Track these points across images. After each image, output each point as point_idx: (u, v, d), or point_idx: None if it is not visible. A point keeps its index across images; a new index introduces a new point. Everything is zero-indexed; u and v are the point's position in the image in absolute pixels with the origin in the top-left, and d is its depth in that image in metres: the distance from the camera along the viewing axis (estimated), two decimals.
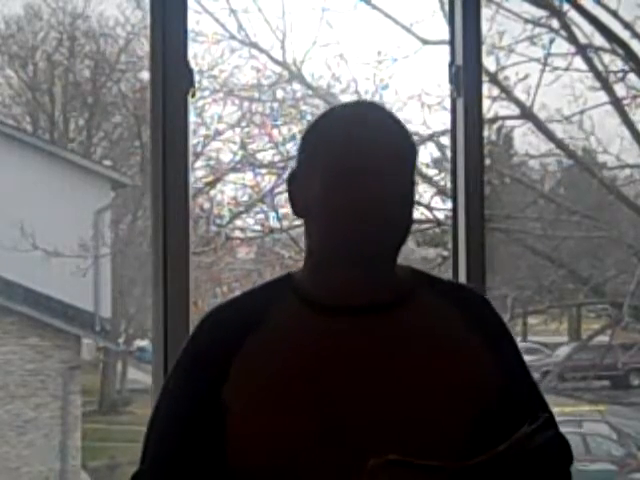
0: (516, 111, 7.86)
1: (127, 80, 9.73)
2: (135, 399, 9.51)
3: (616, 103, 7.84)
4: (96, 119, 9.93)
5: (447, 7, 3.30)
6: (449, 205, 3.51)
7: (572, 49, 7.74)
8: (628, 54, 7.76)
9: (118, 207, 9.51)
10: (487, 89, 7.23)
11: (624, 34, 7.69)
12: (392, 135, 1.66)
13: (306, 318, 1.64)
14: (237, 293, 1.77)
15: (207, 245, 7.76)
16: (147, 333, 9.03)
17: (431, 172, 7.93)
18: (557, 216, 8.26)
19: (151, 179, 2.79)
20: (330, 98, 7.69)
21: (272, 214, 7.46)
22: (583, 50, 7.74)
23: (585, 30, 7.68)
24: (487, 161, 7.32)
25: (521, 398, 1.66)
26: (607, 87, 7.83)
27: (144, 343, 9.63)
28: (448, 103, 3.17)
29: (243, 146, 7.89)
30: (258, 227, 7.85)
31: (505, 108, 7.88)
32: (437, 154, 7.92)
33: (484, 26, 3.12)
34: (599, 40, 7.73)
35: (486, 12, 6.79)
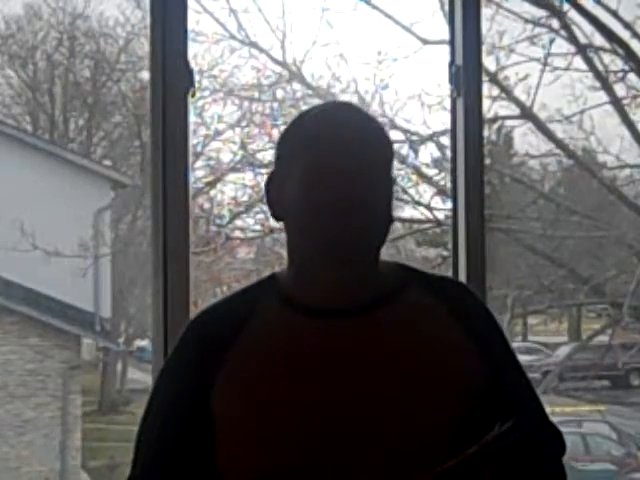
0: (516, 111, 7.86)
1: (127, 80, 9.74)
2: (135, 399, 9.52)
3: (616, 103, 7.84)
4: (96, 119, 9.93)
5: (447, 7, 3.30)
6: (449, 205, 3.51)
7: (572, 49, 7.75)
8: (628, 54, 7.76)
9: (118, 207, 9.51)
10: (487, 89, 7.23)
11: (624, 34, 7.70)
12: (368, 133, 1.65)
13: (288, 320, 1.63)
14: (237, 289, 1.77)
15: (207, 245, 7.76)
16: (147, 333, 9.03)
17: (431, 172, 7.94)
18: (557, 216, 8.26)
19: (151, 179, 2.79)
20: (330, 98, 7.69)
21: None
22: (583, 50, 7.74)
23: (585, 30, 7.69)
24: (487, 161, 7.32)
25: (509, 391, 1.66)
26: (607, 87, 7.84)
27: (144, 343, 9.63)
28: (448, 103, 3.17)
29: (243, 146, 7.89)
30: (258, 227, 7.86)
31: (505, 108, 7.89)
32: (437, 154, 7.93)
33: (484, 26, 3.12)
34: (599, 40, 7.74)
35: (486, 12, 6.79)
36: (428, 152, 7.85)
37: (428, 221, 8.06)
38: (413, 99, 7.49)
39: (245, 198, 7.99)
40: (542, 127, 7.88)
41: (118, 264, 9.15)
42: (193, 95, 2.85)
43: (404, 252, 8.50)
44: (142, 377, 9.39)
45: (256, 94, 7.90)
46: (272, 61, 7.67)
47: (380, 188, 1.63)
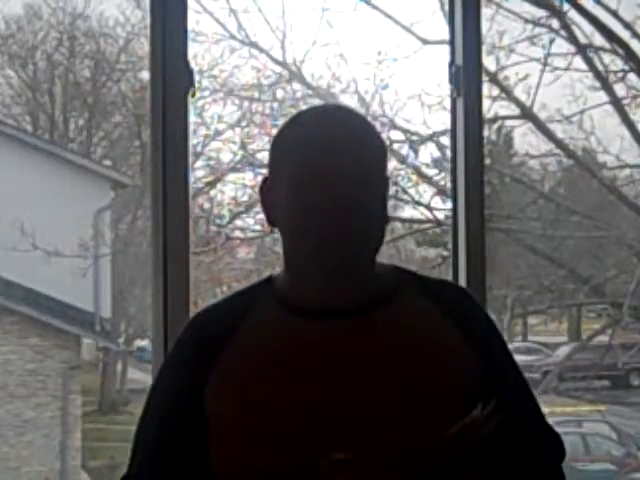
0: (516, 111, 7.86)
1: (127, 80, 9.74)
2: (135, 399, 9.51)
3: (616, 103, 7.84)
4: (96, 119, 9.94)
5: (447, 7, 3.30)
6: (449, 205, 3.51)
7: (572, 49, 7.75)
8: (628, 54, 7.76)
9: (118, 207, 9.51)
10: (487, 89, 7.23)
11: (624, 34, 7.70)
12: (358, 133, 1.64)
13: (283, 320, 1.64)
14: (234, 291, 1.78)
15: (207, 245, 7.77)
16: (147, 333, 9.03)
17: (431, 172, 7.94)
18: (557, 216, 8.26)
19: (151, 179, 2.79)
20: (330, 98, 7.69)
21: None
22: (583, 50, 7.74)
23: (585, 30, 7.69)
24: (487, 161, 7.32)
25: (507, 394, 1.65)
26: (607, 87, 7.84)
27: (144, 343, 9.63)
28: (448, 103, 3.17)
29: (243, 146, 7.89)
30: (258, 227, 7.86)
31: (505, 108, 7.89)
32: (437, 154, 7.93)
33: (484, 26, 3.12)
34: (599, 40, 7.74)
35: (486, 12, 6.79)
36: (428, 152, 7.85)
37: (428, 221, 8.06)
38: (413, 99, 7.50)
39: (245, 198, 8.00)
40: (542, 127, 7.88)
41: (118, 264, 9.15)
42: (193, 95, 2.85)
43: (404, 252, 8.51)
44: (142, 377, 9.39)
45: (256, 94, 7.90)
46: (272, 61, 7.67)
47: (373, 188, 1.62)
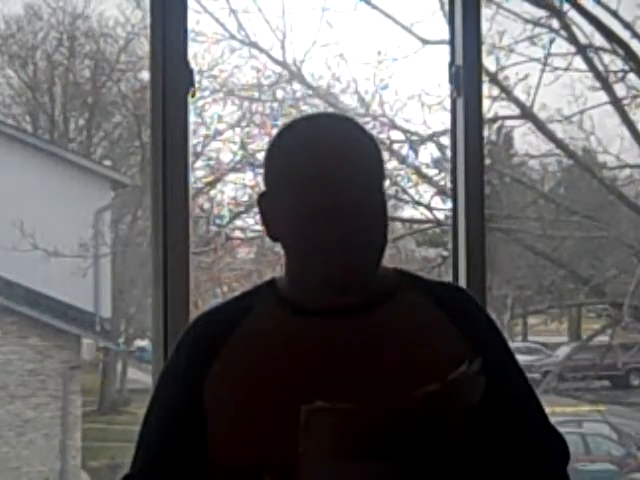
0: (516, 111, 7.86)
1: (127, 80, 9.74)
2: (135, 399, 9.51)
3: (616, 103, 7.84)
4: (96, 119, 9.93)
5: (447, 7, 3.30)
6: (449, 205, 3.52)
7: (572, 49, 7.75)
8: (628, 54, 7.76)
9: (118, 207, 9.51)
10: (487, 89, 7.24)
11: (624, 34, 7.70)
12: (356, 142, 1.62)
13: (282, 319, 1.64)
14: (237, 293, 1.78)
15: (207, 245, 7.77)
16: (147, 333, 9.03)
17: (431, 172, 7.94)
18: (557, 216, 8.26)
19: (151, 179, 2.79)
20: (330, 98, 7.70)
21: None
22: (583, 50, 7.74)
23: (585, 30, 7.69)
24: (487, 161, 7.32)
25: (510, 394, 1.65)
26: (607, 87, 7.84)
27: (144, 343, 9.63)
28: (448, 103, 3.17)
29: (243, 146, 7.89)
30: (258, 227, 7.85)
31: (505, 108, 7.89)
32: (437, 154, 7.93)
33: (484, 26, 3.12)
34: (599, 40, 7.74)
35: (486, 12, 6.79)
36: (428, 152, 7.85)
37: (428, 221, 8.06)
38: (413, 99, 7.50)
39: (245, 198, 8.00)
40: (542, 127, 7.88)
41: (118, 264, 9.15)
42: (193, 95, 2.85)
43: (404, 252, 8.51)
44: (142, 377, 9.39)
45: (256, 94, 7.90)
46: (272, 61, 7.67)
47: (372, 194, 1.62)
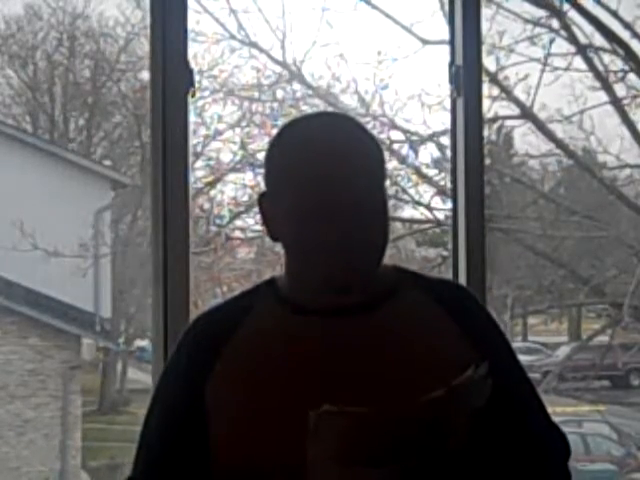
0: (516, 111, 7.86)
1: (127, 80, 9.74)
2: (135, 399, 9.52)
3: (616, 103, 7.84)
4: (96, 119, 9.93)
5: (447, 7, 3.30)
6: (449, 205, 3.51)
7: (572, 49, 7.75)
8: (628, 54, 7.76)
9: (118, 207, 9.51)
10: (487, 89, 7.24)
11: (624, 34, 7.70)
12: (357, 141, 1.62)
13: (283, 318, 1.64)
14: (236, 293, 1.78)
15: (207, 245, 7.77)
16: (147, 333, 9.03)
17: (431, 172, 7.94)
18: (557, 216, 8.26)
19: (151, 179, 2.80)
20: (330, 98, 7.70)
21: None
22: (583, 50, 7.74)
23: (585, 30, 7.69)
24: (487, 161, 7.32)
25: (512, 392, 1.65)
26: (607, 87, 7.83)
27: (144, 343, 9.63)
28: (448, 103, 3.17)
29: (243, 146, 7.89)
30: (258, 227, 7.85)
31: (505, 108, 7.89)
32: (437, 154, 7.93)
33: (484, 26, 3.12)
34: (599, 40, 7.74)
35: (486, 12, 6.79)
36: (428, 152, 7.85)
37: (428, 221, 8.06)
38: (413, 99, 7.50)
39: (245, 198, 8.00)
40: (542, 127, 7.88)
41: (118, 264, 9.15)
42: (193, 95, 2.85)
43: (404, 252, 8.51)
44: (142, 377, 9.39)
45: (256, 94, 7.90)
46: (272, 61, 7.67)
47: (374, 194, 1.61)
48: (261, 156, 7.69)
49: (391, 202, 7.22)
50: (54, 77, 9.89)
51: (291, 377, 1.58)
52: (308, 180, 1.57)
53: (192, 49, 2.95)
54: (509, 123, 8.38)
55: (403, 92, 7.55)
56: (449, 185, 3.22)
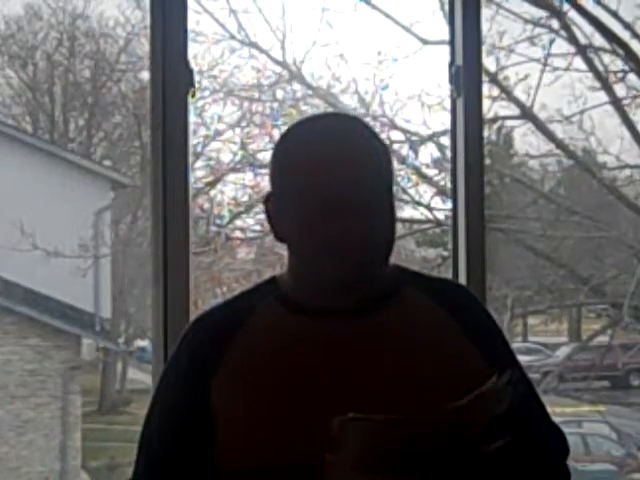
0: (516, 111, 7.86)
1: (127, 80, 9.74)
2: (135, 399, 9.52)
3: (616, 103, 7.84)
4: (96, 119, 9.93)
5: (447, 7, 3.30)
6: (449, 205, 3.51)
7: (572, 49, 7.75)
8: (628, 54, 7.76)
9: (118, 207, 9.51)
10: (487, 89, 7.23)
11: (624, 34, 7.69)
12: (366, 143, 1.62)
13: (286, 319, 1.64)
14: (236, 293, 1.78)
15: (207, 245, 7.76)
16: (147, 333, 9.03)
17: (431, 172, 7.94)
18: (557, 216, 8.26)
19: (151, 179, 2.80)
20: (330, 98, 7.69)
21: None
22: (583, 50, 7.74)
23: (585, 30, 7.69)
24: (487, 161, 7.31)
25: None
26: (607, 87, 7.83)
27: (144, 343, 9.63)
28: (448, 103, 3.17)
29: (243, 146, 7.89)
30: (258, 227, 7.86)
31: (505, 108, 7.89)
32: (437, 154, 7.92)
33: (484, 26, 3.12)
34: (599, 40, 7.74)
35: (486, 12, 6.79)
36: (428, 152, 7.85)
37: (428, 221, 8.06)
38: (413, 99, 7.50)
39: (245, 198, 8.00)
40: (542, 127, 7.88)
41: (118, 264, 9.15)
42: (193, 95, 2.85)
43: (404, 252, 8.50)
44: (142, 377, 9.39)
45: (256, 94, 7.89)
46: (272, 61, 7.67)
47: (382, 195, 1.61)
48: (261, 156, 7.70)
49: None
50: (54, 77, 9.89)
51: (296, 378, 1.58)
52: (315, 181, 1.57)
53: (192, 49, 2.96)
54: (509, 123, 8.39)
55: (403, 92, 7.55)
56: (449, 185, 3.22)
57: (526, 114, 7.78)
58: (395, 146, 7.68)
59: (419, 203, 7.84)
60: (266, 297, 1.68)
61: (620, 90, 7.86)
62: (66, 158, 9.22)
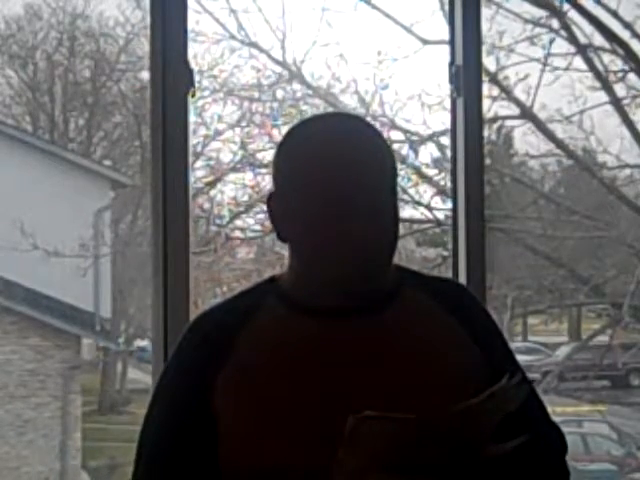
0: (516, 111, 7.86)
1: (127, 80, 9.74)
2: (135, 399, 9.51)
3: (616, 103, 7.84)
4: (96, 119, 9.93)
5: (447, 7, 3.30)
6: (449, 205, 3.52)
7: (572, 49, 7.75)
8: (628, 54, 7.76)
9: (118, 207, 9.51)
10: (487, 89, 7.24)
11: (624, 34, 7.70)
12: (370, 144, 1.61)
13: (288, 319, 1.64)
14: (236, 292, 1.78)
15: (207, 245, 7.76)
16: (147, 333, 9.03)
17: (431, 172, 7.94)
18: (557, 216, 8.26)
19: (151, 179, 2.80)
20: (330, 98, 7.70)
21: None
22: (583, 50, 7.74)
23: (585, 30, 7.70)
24: (487, 161, 7.32)
25: None
26: (607, 87, 7.84)
27: (144, 343, 9.63)
28: (448, 103, 3.17)
29: (243, 146, 7.89)
30: (258, 227, 7.86)
31: (505, 108, 7.89)
32: (437, 154, 7.93)
33: (484, 26, 3.12)
34: (599, 40, 7.74)
35: (486, 12, 6.79)
36: (428, 152, 7.85)
37: (428, 221, 8.06)
38: (413, 99, 7.50)
39: (245, 198, 8.00)
40: (542, 127, 7.89)
41: (118, 264, 9.15)
42: (193, 95, 2.85)
43: (404, 252, 8.50)
44: (142, 377, 9.39)
45: (256, 94, 7.90)
46: (272, 61, 7.67)
47: (386, 195, 1.61)
48: (261, 156, 7.71)
49: None
50: (54, 77, 9.89)
51: (299, 377, 1.58)
52: (318, 181, 1.57)
53: (192, 49, 2.96)
54: (509, 123, 8.40)
55: (403, 92, 7.55)
56: (449, 185, 3.22)
57: (526, 114, 7.78)
58: (395, 146, 7.68)
59: (419, 203, 7.85)
60: (267, 296, 1.67)
61: (620, 90, 7.87)
62: (66, 158, 9.21)
